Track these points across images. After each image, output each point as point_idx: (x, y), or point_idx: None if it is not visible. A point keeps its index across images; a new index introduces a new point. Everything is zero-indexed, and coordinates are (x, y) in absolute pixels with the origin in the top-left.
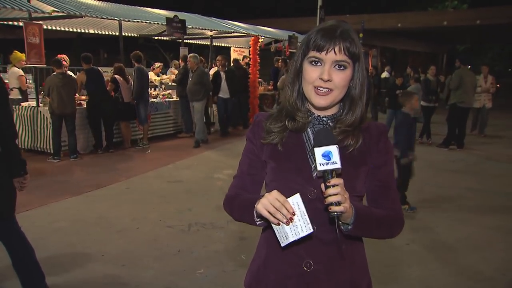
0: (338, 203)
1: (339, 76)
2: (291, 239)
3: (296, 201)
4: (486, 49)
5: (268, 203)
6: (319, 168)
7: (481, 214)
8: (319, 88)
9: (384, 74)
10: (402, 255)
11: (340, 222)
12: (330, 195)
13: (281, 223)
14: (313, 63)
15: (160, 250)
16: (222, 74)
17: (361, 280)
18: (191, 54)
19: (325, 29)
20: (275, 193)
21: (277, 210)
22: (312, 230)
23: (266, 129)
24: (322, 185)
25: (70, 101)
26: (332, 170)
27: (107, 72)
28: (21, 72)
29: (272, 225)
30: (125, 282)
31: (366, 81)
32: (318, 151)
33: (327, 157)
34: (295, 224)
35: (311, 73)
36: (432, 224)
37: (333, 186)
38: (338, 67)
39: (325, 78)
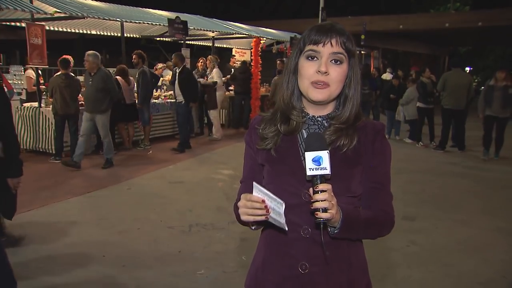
0: (324, 210)
1: (336, 71)
2: (282, 220)
3: (257, 190)
4: (488, 51)
5: (243, 210)
6: (309, 172)
7: (481, 216)
8: (316, 82)
9: (385, 76)
10: (402, 257)
11: (327, 227)
12: (317, 201)
13: (267, 215)
14: (310, 58)
15: (160, 250)
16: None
17: (360, 281)
18: (90, 52)
19: (321, 25)
20: (242, 197)
21: (253, 209)
22: (283, 202)
23: (259, 135)
24: (310, 190)
25: (73, 101)
26: (321, 176)
27: None
28: (30, 74)
29: (267, 221)
30: (126, 282)
31: (359, 79)
32: (309, 156)
33: (317, 162)
34: (271, 207)
35: (308, 68)
36: (432, 226)
37: (321, 191)
38: (335, 61)
39: (323, 70)
